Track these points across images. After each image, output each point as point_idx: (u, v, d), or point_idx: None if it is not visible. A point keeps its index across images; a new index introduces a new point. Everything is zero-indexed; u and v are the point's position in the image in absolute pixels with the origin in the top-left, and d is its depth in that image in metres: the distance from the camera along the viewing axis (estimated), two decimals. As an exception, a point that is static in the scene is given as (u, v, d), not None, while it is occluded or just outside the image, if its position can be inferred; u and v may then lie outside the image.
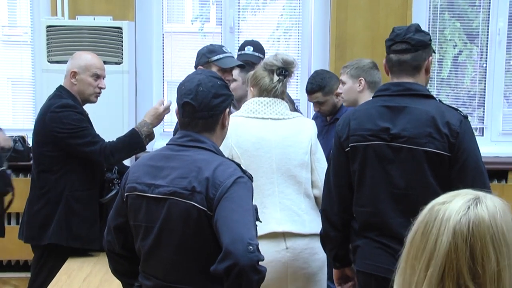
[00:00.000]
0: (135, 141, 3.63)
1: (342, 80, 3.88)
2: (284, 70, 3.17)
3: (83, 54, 3.79)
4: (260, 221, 2.37)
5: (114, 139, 3.65)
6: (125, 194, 2.40)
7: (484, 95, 5.59)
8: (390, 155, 2.71)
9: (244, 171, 2.32)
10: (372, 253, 2.78)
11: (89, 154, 3.57)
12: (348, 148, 2.82)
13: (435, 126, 2.64)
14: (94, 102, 3.77)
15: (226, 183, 2.21)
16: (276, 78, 3.17)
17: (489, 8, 5.50)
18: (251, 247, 2.05)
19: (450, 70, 5.62)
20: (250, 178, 2.33)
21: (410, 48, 2.75)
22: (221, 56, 3.64)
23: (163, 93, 5.65)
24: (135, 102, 5.20)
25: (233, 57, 3.83)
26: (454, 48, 5.67)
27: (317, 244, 3.14)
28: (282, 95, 3.23)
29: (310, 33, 5.47)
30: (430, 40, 2.81)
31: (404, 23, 5.19)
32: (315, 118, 4.34)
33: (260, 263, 2.12)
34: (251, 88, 3.26)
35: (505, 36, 5.50)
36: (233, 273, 2.04)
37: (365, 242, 2.81)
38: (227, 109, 2.42)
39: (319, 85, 4.20)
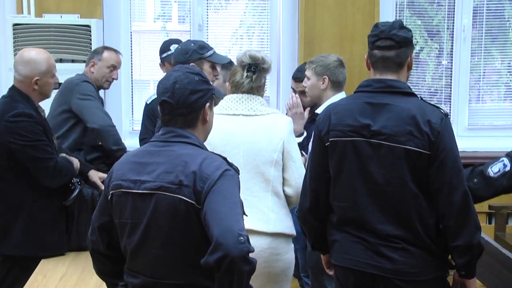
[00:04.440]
0: (73, 170, 3.63)
1: (306, 75, 3.86)
2: (253, 66, 3.16)
3: (39, 56, 3.58)
4: (246, 215, 2.37)
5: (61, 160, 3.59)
6: (110, 192, 2.38)
7: (450, 90, 5.68)
8: (369, 152, 2.71)
9: (230, 164, 2.32)
10: (350, 247, 2.80)
11: (39, 170, 3.47)
12: (328, 143, 2.82)
13: (416, 125, 2.65)
14: (50, 96, 3.74)
15: (213, 176, 2.21)
16: (245, 74, 3.17)
17: (454, 5, 5.59)
18: (241, 238, 2.06)
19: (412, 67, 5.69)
20: (237, 171, 2.33)
21: (394, 45, 2.74)
22: (211, 52, 3.62)
23: (131, 92, 5.61)
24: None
25: (217, 53, 3.81)
26: (415, 45, 5.75)
27: (282, 245, 3.12)
28: (254, 91, 3.20)
29: (278, 31, 5.49)
30: (412, 36, 2.81)
31: (372, 20, 5.26)
32: None
33: None
34: (227, 84, 3.30)
35: (470, 33, 5.60)
36: (224, 264, 2.04)
37: (343, 236, 2.83)
38: (207, 104, 2.40)
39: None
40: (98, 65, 4.38)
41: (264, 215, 3.09)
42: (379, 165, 2.70)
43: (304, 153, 4.01)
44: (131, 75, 5.60)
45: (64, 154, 3.69)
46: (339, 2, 5.29)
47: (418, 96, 2.80)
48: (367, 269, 2.75)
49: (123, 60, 5.40)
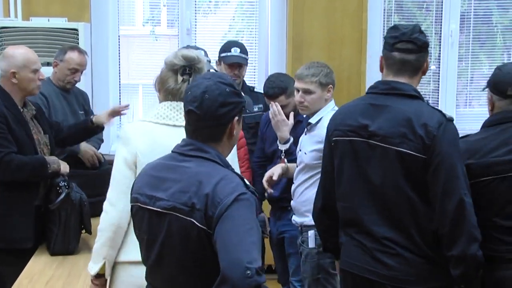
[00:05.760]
0: (41, 169, 3.56)
1: (309, 89, 3.67)
2: (188, 68, 2.78)
3: (17, 51, 3.65)
4: (267, 236, 2.25)
5: (23, 156, 3.55)
6: (131, 204, 2.34)
7: (438, 95, 5.70)
8: (367, 152, 2.70)
9: (247, 186, 2.14)
10: (350, 251, 2.79)
11: None
12: (333, 143, 2.83)
13: (410, 127, 2.59)
14: (36, 94, 3.76)
15: (226, 201, 2.06)
16: (180, 78, 2.78)
17: (442, 10, 5.61)
18: (249, 272, 1.93)
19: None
20: (254, 193, 2.16)
21: (415, 48, 2.70)
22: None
23: (119, 96, 5.59)
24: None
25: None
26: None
27: None
28: None
29: (267, 35, 5.49)
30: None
31: (360, 26, 5.29)
32: None
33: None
34: (159, 92, 2.89)
35: (457, 38, 5.62)
36: None
37: (346, 239, 2.82)
38: (236, 118, 2.23)
39: (281, 87, 4.06)
40: (60, 66, 4.35)
41: None
42: (375, 166, 2.68)
43: (286, 160, 3.98)
44: (119, 79, 5.58)
45: (53, 157, 3.68)
46: (327, 7, 5.29)
47: (426, 100, 2.75)
48: (364, 274, 2.72)
49: (111, 64, 5.44)
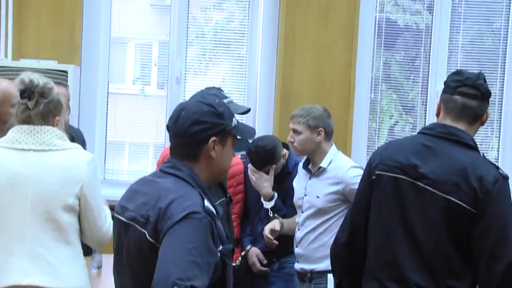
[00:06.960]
0: None
1: (296, 129, 3.72)
2: (26, 92, 2.81)
3: None
4: (232, 265, 2.24)
5: None
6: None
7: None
8: (411, 193, 2.59)
9: (204, 206, 2.11)
10: None
11: None
12: (374, 176, 2.71)
13: (465, 177, 2.50)
14: None
15: (175, 217, 2.06)
16: (20, 101, 2.84)
17: (428, 81, 5.68)
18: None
19: (386, 140, 5.70)
20: (210, 214, 2.11)
21: (479, 95, 2.64)
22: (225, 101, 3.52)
23: (105, 153, 5.50)
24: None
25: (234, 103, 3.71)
26: (390, 119, 5.80)
27: None
28: (34, 120, 2.82)
29: (255, 87, 5.51)
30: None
31: (348, 84, 5.32)
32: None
33: None
34: None
35: (443, 108, 5.65)
36: None
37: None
38: (213, 138, 2.21)
39: (268, 160, 4.02)
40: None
41: (54, 268, 2.75)
42: (418, 209, 2.58)
43: (277, 216, 3.90)
44: (106, 135, 5.52)
45: None
46: (317, 62, 5.32)
47: (481, 152, 2.67)
48: None
49: (98, 119, 5.38)
